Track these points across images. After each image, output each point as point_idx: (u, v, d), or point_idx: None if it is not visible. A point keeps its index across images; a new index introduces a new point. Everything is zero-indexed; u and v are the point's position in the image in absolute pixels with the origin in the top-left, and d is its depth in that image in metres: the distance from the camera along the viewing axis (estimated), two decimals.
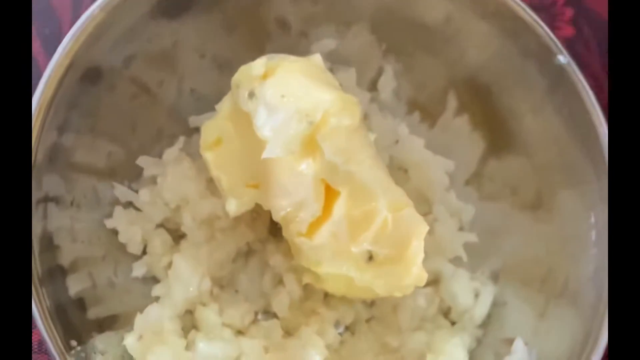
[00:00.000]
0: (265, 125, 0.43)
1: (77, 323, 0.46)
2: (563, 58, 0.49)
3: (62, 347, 0.43)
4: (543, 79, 0.50)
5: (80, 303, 0.47)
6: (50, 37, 0.57)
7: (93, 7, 0.45)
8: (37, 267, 0.43)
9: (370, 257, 0.45)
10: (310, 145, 0.43)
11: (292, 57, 0.46)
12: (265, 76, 0.44)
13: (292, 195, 0.44)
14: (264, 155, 0.42)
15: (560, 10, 0.64)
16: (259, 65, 0.44)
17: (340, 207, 0.44)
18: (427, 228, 0.44)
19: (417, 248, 0.44)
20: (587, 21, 0.64)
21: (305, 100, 0.42)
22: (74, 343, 0.44)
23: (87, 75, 0.47)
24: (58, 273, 0.46)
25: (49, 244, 0.46)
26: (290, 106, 0.42)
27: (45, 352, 0.51)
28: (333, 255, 0.45)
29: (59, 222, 0.47)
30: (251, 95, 0.44)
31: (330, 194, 0.44)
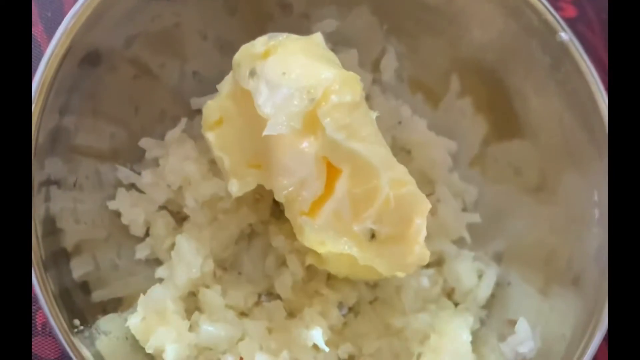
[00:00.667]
0: (266, 102, 0.43)
1: (81, 306, 0.46)
2: (565, 35, 0.49)
3: (67, 330, 0.43)
4: (546, 56, 0.50)
5: (85, 286, 0.47)
6: (52, 20, 0.57)
7: None
8: (40, 250, 0.43)
9: (373, 236, 0.45)
10: (311, 122, 0.42)
11: (294, 36, 0.45)
12: (266, 54, 0.44)
13: (294, 173, 0.44)
14: (266, 132, 0.42)
15: None
16: (260, 43, 0.44)
17: (342, 185, 0.44)
18: (429, 206, 0.44)
19: (419, 226, 0.44)
20: (589, 1, 0.63)
21: (306, 78, 0.42)
22: (77, 322, 0.44)
23: (87, 57, 0.47)
24: (62, 256, 0.46)
25: (52, 226, 0.46)
26: (292, 83, 0.42)
27: (49, 334, 0.51)
28: (335, 234, 0.45)
29: (61, 204, 0.47)
30: (252, 73, 0.44)
31: (332, 172, 0.44)
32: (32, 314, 0.51)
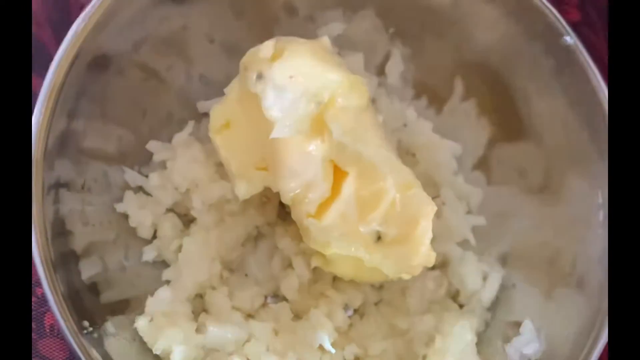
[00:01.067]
0: (273, 106, 0.43)
1: (90, 307, 0.46)
2: (569, 38, 0.49)
3: (76, 331, 0.43)
4: (549, 59, 0.50)
5: (93, 287, 0.48)
6: (59, 24, 0.57)
7: None
8: (50, 251, 0.44)
9: (379, 238, 0.45)
10: (318, 125, 0.43)
11: (300, 40, 0.46)
12: (273, 58, 0.44)
13: (301, 176, 0.45)
14: (273, 135, 0.43)
15: None
16: (267, 47, 0.44)
17: (348, 188, 0.44)
18: (435, 208, 0.44)
19: (425, 228, 0.44)
20: (593, 5, 0.63)
21: (313, 81, 0.43)
22: (86, 324, 0.44)
23: (96, 61, 0.47)
24: (71, 258, 0.47)
25: (61, 228, 0.46)
26: (299, 87, 0.42)
27: (57, 335, 0.52)
28: (341, 236, 0.46)
29: (70, 206, 0.47)
30: (259, 77, 0.44)
31: (338, 175, 0.45)
32: (41, 316, 0.52)
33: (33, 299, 0.52)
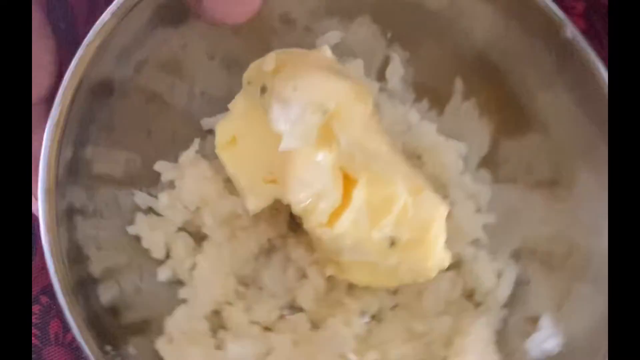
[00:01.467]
0: (279, 118, 0.43)
1: (110, 330, 0.46)
2: (569, 32, 0.49)
3: (100, 356, 0.43)
4: (551, 55, 0.50)
5: (112, 311, 0.48)
6: (65, 33, 0.57)
7: (103, 15, 0.45)
8: (69, 279, 0.44)
9: (392, 243, 0.45)
10: (325, 135, 0.43)
11: (302, 51, 0.46)
12: (276, 71, 0.44)
13: (311, 186, 0.45)
14: (281, 148, 0.43)
15: (571, 4, 0.63)
16: (269, 60, 0.45)
17: (359, 195, 0.45)
18: (447, 209, 0.45)
19: (438, 230, 0.45)
20: (598, 15, 0.63)
21: (317, 91, 0.43)
22: (108, 348, 0.44)
23: (99, 87, 0.47)
24: (88, 283, 0.47)
25: (77, 255, 0.46)
26: (303, 98, 0.43)
27: (61, 344, 0.52)
28: (355, 243, 0.46)
29: (83, 232, 0.47)
30: (263, 90, 0.44)
31: (348, 182, 0.45)
32: (46, 324, 0.52)
33: (38, 307, 0.52)
